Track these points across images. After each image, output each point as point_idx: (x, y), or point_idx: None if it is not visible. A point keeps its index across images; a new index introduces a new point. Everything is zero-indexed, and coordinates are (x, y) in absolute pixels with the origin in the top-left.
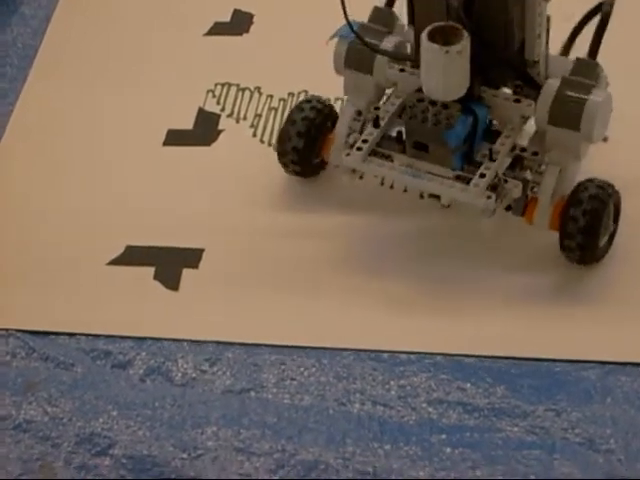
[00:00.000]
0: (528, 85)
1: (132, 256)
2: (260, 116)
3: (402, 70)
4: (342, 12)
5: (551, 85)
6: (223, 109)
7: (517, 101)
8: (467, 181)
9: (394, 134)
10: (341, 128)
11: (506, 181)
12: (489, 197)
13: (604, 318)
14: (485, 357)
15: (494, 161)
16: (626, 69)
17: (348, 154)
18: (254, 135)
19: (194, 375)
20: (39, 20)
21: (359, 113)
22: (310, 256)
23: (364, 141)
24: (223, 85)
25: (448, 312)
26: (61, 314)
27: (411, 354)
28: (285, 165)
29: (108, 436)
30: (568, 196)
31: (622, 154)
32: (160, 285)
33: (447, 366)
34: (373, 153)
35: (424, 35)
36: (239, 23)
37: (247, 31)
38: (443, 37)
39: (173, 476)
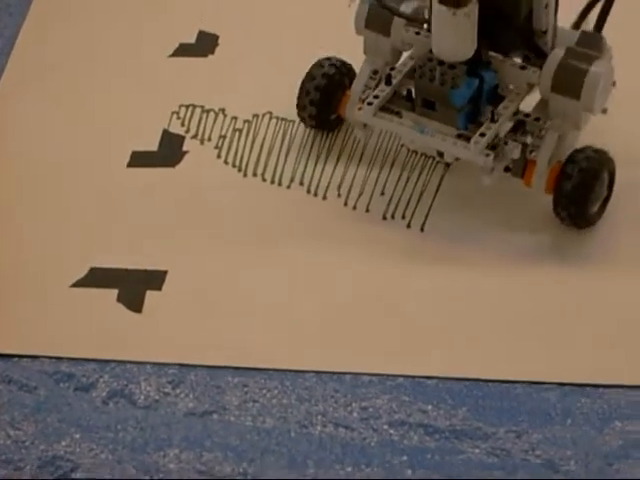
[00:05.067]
0: (535, 54)
1: (96, 278)
2: (225, 137)
3: (417, 33)
4: None
5: (556, 54)
6: (188, 130)
7: (523, 68)
8: (468, 139)
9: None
10: (357, 85)
11: (506, 142)
12: (488, 155)
13: (563, 340)
14: (447, 379)
15: (495, 122)
16: (627, 43)
17: (360, 108)
18: (218, 156)
19: (157, 397)
20: (4, 39)
21: (375, 72)
22: (273, 279)
23: (375, 97)
24: (188, 106)
25: (410, 334)
26: (24, 336)
27: (373, 376)
28: (303, 119)
29: (71, 459)
30: (565, 159)
31: (621, 125)
32: (123, 307)
33: (409, 388)
34: (384, 109)
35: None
36: (204, 44)
37: (212, 52)
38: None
39: None
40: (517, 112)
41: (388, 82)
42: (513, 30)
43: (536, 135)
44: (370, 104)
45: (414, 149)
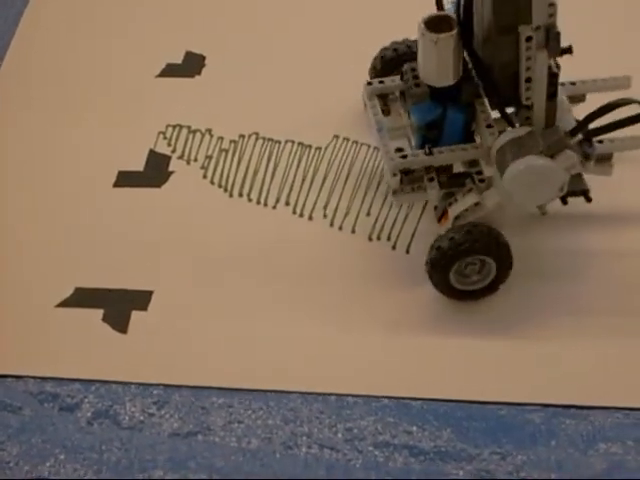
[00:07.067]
0: (505, 121)
1: (81, 298)
2: (211, 158)
3: None
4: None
5: (514, 131)
6: (174, 151)
7: (489, 126)
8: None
9: None
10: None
11: (431, 180)
12: (395, 175)
13: (548, 361)
14: (431, 400)
15: (427, 155)
16: None
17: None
18: (204, 177)
19: (141, 418)
20: None
21: None
22: (258, 300)
23: (380, 82)
24: (174, 127)
25: (394, 356)
26: (9, 356)
27: (358, 397)
28: None
29: None
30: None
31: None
32: (109, 327)
33: (394, 409)
34: (382, 97)
35: (423, 18)
36: (191, 65)
37: (199, 73)
38: (446, 27)
39: None
40: (475, 164)
41: (402, 77)
42: (493, 89)
43: (463, 191)
44: (370, 84)
45: None
